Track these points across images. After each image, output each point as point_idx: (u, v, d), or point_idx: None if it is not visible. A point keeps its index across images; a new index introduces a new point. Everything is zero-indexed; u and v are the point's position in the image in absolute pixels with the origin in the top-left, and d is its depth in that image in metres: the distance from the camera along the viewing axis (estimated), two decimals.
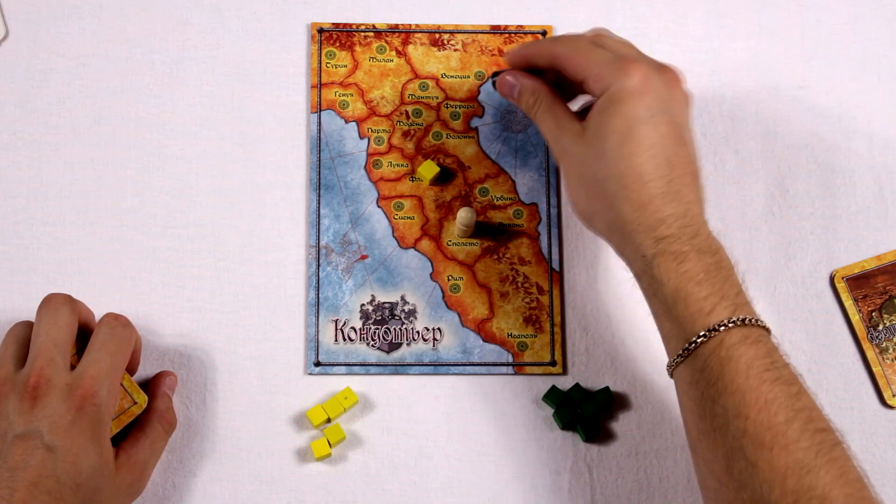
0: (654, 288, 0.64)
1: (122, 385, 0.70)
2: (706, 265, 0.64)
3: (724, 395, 0.60)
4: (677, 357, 0.63)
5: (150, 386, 0.73)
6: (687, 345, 0.62)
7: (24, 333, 0.70)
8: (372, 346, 0.77)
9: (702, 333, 0.62)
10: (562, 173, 0.72)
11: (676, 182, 0.65)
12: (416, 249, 0.79)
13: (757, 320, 0.63)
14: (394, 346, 0.77)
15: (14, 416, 0.65)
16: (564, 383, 0.77)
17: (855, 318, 0.78)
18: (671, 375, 0.65)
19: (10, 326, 0.71)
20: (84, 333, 0.71)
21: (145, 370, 0.75)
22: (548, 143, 0.72)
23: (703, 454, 0.63)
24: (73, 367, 0.68)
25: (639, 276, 0.66)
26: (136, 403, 0.71)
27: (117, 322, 0.70)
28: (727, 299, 0.63)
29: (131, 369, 0.73)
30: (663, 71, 0.68)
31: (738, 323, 0.62)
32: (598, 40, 0.70)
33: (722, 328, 0.62)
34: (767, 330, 0.64)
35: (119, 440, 0.70)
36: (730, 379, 0.60)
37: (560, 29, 0.83)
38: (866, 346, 0.78)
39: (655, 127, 0.65)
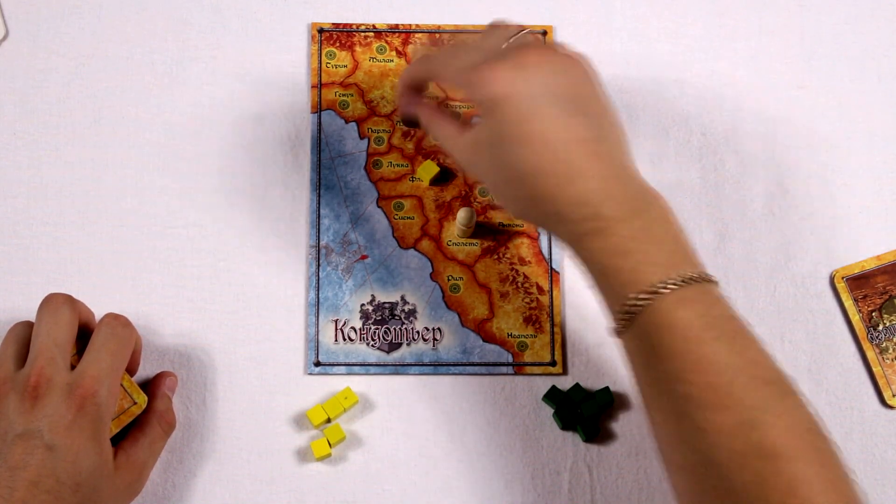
0: (583, 265, 0.63)
1: (122, 385, 0.70)
2: (633, 231, 0.61)
3: (665, 361, 0.58)
4: (619, 323, 0.61)
5: (150, 386, 0.73)
6: (622, 315, 0.60)
7: (25, 333, 0.70)
8: (372, 346, 0.77)
9: (634, 303, 0.59)
10: (470, 173, 0.70)
11: (582, 157, 0.62)
12: (416, 249, 0.79)
13: (696, 275, 0.60)
14: (394, 346, 0.77)
15: (14, 415, 0.65)
16: (564, 383, 0.77)
17: (855, 318, 0.78)
18: (621, 345, 0.63)
19: (10, 326, 0.72)
20: (84, 333, 0.71)
21: (145, 370, 0.75)
22: (447, 152, 0.69)
23: (654, 422, 0.61)
24: (73, 367, 0.68)
25: (572, 256, 0.64)
26: (135, 404, 0.71)
27: (117, 322, 0.70)
28: (658, 263, 0.60)
29: (131, 369, 0.73)
30: (521, 58, 0.63)
31: (674, 284, 0.59)
32: (460, 44, 0.69)
33: (654, 295, 0.59)
34: (711, 281, 0.61)
35: (118, 440, 0.70)
36: (668, 345, 0.58)
37: (560, 29, 0.83)
38: (866, 346, 0.78)
39: (535, 121, 0.62)
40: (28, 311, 0.74)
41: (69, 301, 0.70)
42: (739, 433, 0.56)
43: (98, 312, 0.74)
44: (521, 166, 0.62)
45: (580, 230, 0.62)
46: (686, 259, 0.61)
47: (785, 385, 0.59)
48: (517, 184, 0.63)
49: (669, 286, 0.59)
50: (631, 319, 0.60)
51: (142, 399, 0.71)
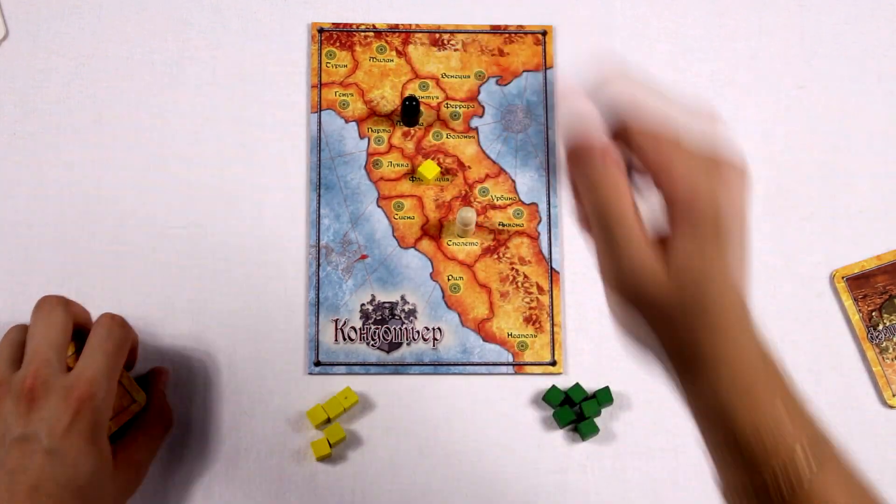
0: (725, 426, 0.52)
1: (120, 383, 0.70)
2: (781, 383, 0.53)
3: None
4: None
5: (147, 383, 0.73)
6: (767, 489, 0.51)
7: (20, 336, 0.70)
8: (372, 345, 0.77)
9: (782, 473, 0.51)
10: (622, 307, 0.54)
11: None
12: (416, 249, 0.79)
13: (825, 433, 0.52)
14: (394, 346, 0.77)
15: (10, 418, 0.65)
16: (564, 383, 0.77)
17: (855, 318, 0.78)
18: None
19: (10, 325, 0.71)
20: (82, 334, 0.71)
21: (143, 369, 0.75)
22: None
23: None
24: (70, 369, 0.68)
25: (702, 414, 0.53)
26: (135, 402, 0.71)
27: (114, 322, 0.70)
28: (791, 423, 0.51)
29: (128, 368, 0.73)
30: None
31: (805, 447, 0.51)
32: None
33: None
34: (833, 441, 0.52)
35: (117, 437, 0.70)
36: None
37: (560, 29, 0.83)
38: (866, 346, 0.78)
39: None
40: (28, 311, 0.74)
41: (63, 302, 0.70)
42: None
43: (98, 312, 0.74)
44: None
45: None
46: (817, 421, 0.51)
47: None
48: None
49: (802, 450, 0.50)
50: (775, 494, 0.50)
51: (141, 397, 0.71)
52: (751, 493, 0.51)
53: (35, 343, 0.68)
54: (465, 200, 0.80)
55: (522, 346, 0.77)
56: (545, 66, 0.83)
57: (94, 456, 0.65)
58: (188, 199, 0.79)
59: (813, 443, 0.51)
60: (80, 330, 0.71)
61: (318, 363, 0.77)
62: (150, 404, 0.72)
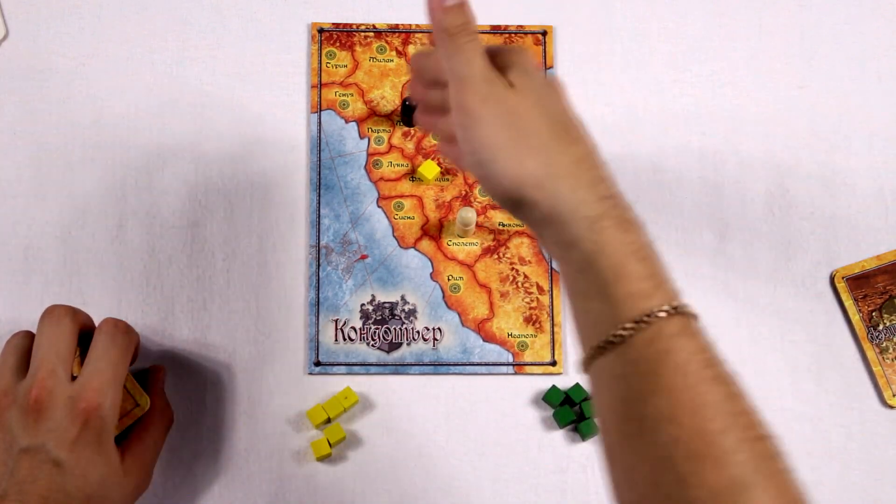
0: (589, 258, 0.55)
1: (124, 387, 0.70)
2: (647, 240, 0.56)
3: (657, 395, 0.52)
4: (604, 344, 0.54)
5: (145, 382, 0.73)
6: (619, 331, 0.53)
7: (24, 344, 0.70)
8: (372, 345, 0.77)
9: (639, 319, 0.53)
10: (475, 120, 0.57)
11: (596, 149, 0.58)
12: (416, 249, 0.79)
13: (687, 306, 0.55)
14: (394, 346, 0.77)
15: (17, 429, 0.65)
16: (564, 383, 0.77)
17: (855, 318, 0.78)
18: (587, 367, 0.57)
19: (8, 325, 0.71)
20: (86, 338, 0.70)
21: (143, 368, 0.75)
22: (466, 83, 0.58)
23: (623, 461, 0.54)
24: (74, 376, 0.68)
25: (571, 244, 0.56)
26: (138, 406, 0.71)
27: (117, 330, 0.70)
28: (665, 282, 0.55)
29: (152, 388, 0.73)
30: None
31: (676, 310, 0.54)
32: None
33: (662, 314, 0.53)
34: (697, 315, 0.56)
35: (121, 439, 0.70)
36: (665, 375, 0.52)
37: (560, 29, 0.83)
38: (866, 346, 0.78)
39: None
40: (27, 310, 0.75)
41: (70, 312, 0.69)
42: (726, 494, 0.50)
43: (98, 312, 0.74)
44: (563, 116, 0.58)
45: (605, 210, 0.55)
46: (678, 292, 0.56)
47: (773, 444, 0.53)
48: (550, 130, 0.57)
49: (676, 310, 0.54)
50: (627, 338, 0.54)
51: (144, 401, 0.71)
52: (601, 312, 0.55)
53: (41, 353, 0.67)
54: (465, 200, 0.80)
55: (522, 346, 0.77)
56: (545, 66, 0.82)
57: (103, 464, 0.65)
58: (188, 198, 0.79)
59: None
60: (84, 333, 0.70)
61: (318, 363, 0.77)
62: (152, 404, 0.72)
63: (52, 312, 0.69)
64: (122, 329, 0.70)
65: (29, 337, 0.70)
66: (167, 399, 0.74)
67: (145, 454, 0.70)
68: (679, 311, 0.54)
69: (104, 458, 0.66)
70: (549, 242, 0.57)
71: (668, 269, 0.56)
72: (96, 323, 0.71)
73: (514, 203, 0.57)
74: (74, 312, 0.70)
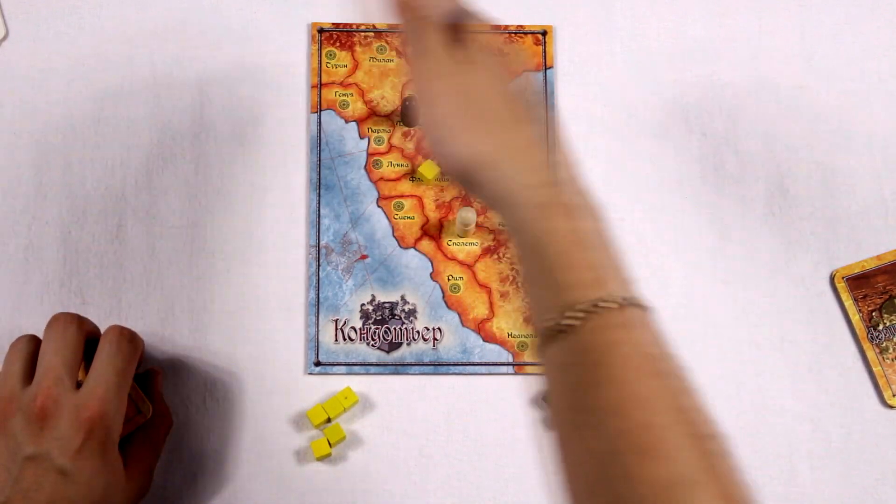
0: (535, 244, 0.54)
1: (128, 394, 0.70)
2: (597, 227, 0.55)
3: (603, 386, 0.51)
4: (549, 331, 0.53)
5: (143, 385, 0.73)
6: (564, 318, 0.52)
7: (29, 348, 0.69)
8: (372, 345, 0.77)
9: (585, 307, 0.52)
10: (431, 97, 0.58)
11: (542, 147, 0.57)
12: (416, 249, 0.79)
13: (639, 298, 0.53)
14: (394, 346, 0.77)
15: (22, 436, 0.65)
16: None
17: (855, 318, 0.78)
18: (540, 355, 0.54)
19: (8, 325, 0.71)
20: (92, 345, 0.70)
21: (142, 368, 0.75)
22: (421, 58, 0.58)
23: (572, 453, 0.52)
24: (80, 381, 0.68)
25: (517, 228, 0.55)
26: (140, 413, 0.70)
27: (122, 337, 0.69)
28: (616, 271, 0.54)
29: (150, 391, 0.73)
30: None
31: (626, 301, 0.52)
32: None
33: (610, 304, 0.52)
34: (650, 308, 0.54)
35: (121, 444, 0.70)
36: (611, 366, 0.51)
37: (560, 29, 0.83)
38: (866, 346, 0.78)
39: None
40: (27, 311, 0.75)
41: (76, 321, 0.69)
42: (670, 491, 0.49)
43: (98, 312, 0.74)
44: (511, 95, 0.58)
45: (551, 197, 0.55)
46: (632, 281, 0.54)
47: (722, 443, 0.51)
48: (502, 107, 0.57)
49: (625, 301, 0.52)
50: (565, 331, 0.52)
51: (147, 408, 0.71)
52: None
53: (47, 360, 0.67)
54: (465, 200, 0.80)
55: (522, 346, 0.77)
56: (545, 66, 0.83)
57: (107, 472, 0.66)
58: (188, 199, 0.79)
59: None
60: (91, 340, 0.70)
61: (318, 363, 0.77)
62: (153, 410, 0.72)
63: (58, 320, 0.69)
64: (126, 337, 0.70)
65: (34, 341, 0.69)
66: (166, 403, 0.73)
67: (147, 460, 0.70)
68: (629, 303, 0.52)
69: (108, 466, 0.66)
70: (502, 223, 0.57)
71: (624, 258, 0.55)
72: (102, 330, 0.71)
73: (465, 182, 0.57)
74: (81, 320, 0.69)
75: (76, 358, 0.68)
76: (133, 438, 0.70)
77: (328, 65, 0.82)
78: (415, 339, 0.77)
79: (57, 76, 0.81)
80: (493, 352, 0.77)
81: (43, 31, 0.82)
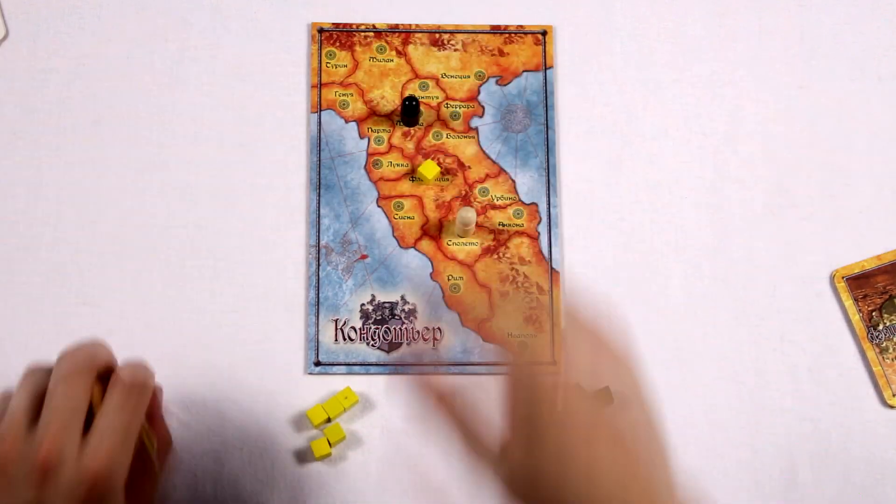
0: None
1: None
2: None
3: None
4: None
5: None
6: None
7: (41, 383, 0.65)
8: (372, 345, 0.77)
9: None
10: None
11: None
12: (416, 249, 0.79)
13: None
14: (394, 346, 0.77)
15: (22, 484, 0.62)
16: None
17: (855, 318, 0.78)
18: None
19: (8, 325, 0.71)
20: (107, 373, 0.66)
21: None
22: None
23: None
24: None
25: None
26: (144, 448, 0.68)
27: (133, 385, 0.65)
28: None
29: (149, 414, 0.68)
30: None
31: None
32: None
33: None
34: None
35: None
36: None
37: (560, 29, 0.83)
38: (866, 346, 0.78)
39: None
40: (27, 311, 0.74)
41: (90, 358, 0.65)
42: None
43: (98, 312, 0.74)
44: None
45: None
46: None
47: None
48: None
49: None
50: None
51: (151, 444, 0.67)
52: None
53: (56, 402, 0.63)
54: (465, 200, 0.80)
55: (522, 346, 0.77)
56: (545, 66, 0.83)
57: None
58: (188, 199, 0.79)
59: None
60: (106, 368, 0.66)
61: (318, 363, 0.77)
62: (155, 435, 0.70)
63: (72, 356, 0.65)
64: (138, 384, 0.65)
65: (46, 376, 0.65)
66: (165, 425, 0.71)
67: (148, 491, 0.68)
68: None
69: None
70: None
71: None
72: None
73: None
74: (94, 356, 0.65)
75: (86, 401, 0.64)
76: (133, 469, 0.68)
77: (328, 65, 0.82)
78: (415, 339, 0.77)
79: (57, 76, 0.81)
80: (494, 352, 0.77)
81: (43, 31, 0.82)
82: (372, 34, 0.83)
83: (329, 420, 0.75)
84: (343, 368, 0.77)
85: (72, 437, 0.63)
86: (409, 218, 0.80)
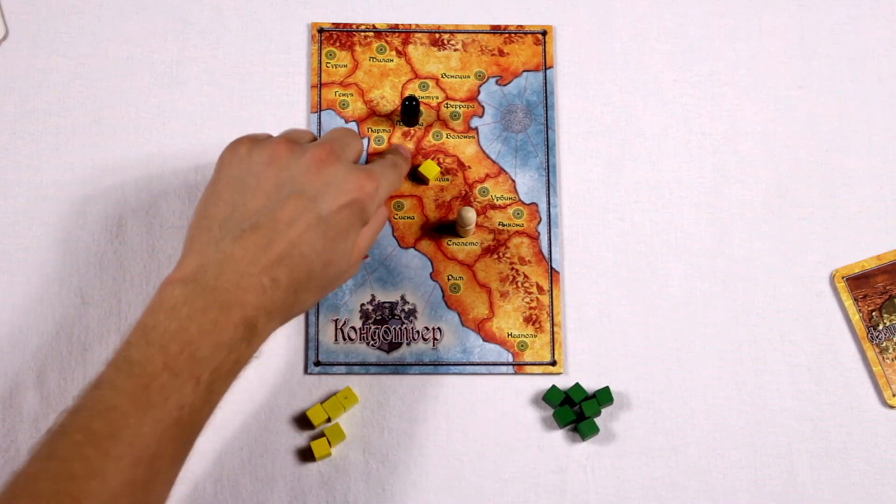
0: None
1: None
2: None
3: None
4: None
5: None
6: None
7: (314, 134, 0.73)
8: (372, 345, 0.77)
9: None
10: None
11: None
12: (416, 249, 0.79)
13: None
14: (394, 346, 0.77)
15: (298, 170, 0.66)
16: (564, 383, 0.77)
17: (855, 317, 0.78)
18: None
19: (8, 325, 0.71)
20: None
21: None
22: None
23: None
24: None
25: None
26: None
27: (406, 157, 0.76)
28: None
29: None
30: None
31: None
32: None
33: None
34: None
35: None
36: None
37: (560, 29, 0.83)
38: (866, 346, 0.78)
39: None
40: (27, 311, 0.74)
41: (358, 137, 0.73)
42: None
43: (98, 312, 0.74)
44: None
45: None
46: None
47: None
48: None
49: None
50: None
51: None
52: None
53: (334, 134, 0.71)
54: (465, 200, 0.80)
55: (522, 346, 0.78)
56: (545, 66, 0.83)
57: (350, 241, 0.67)
58: (188, 198, 0.79)
59: None
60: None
61: (318, 363, 0.77)
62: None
63: (343, 128, 0.73)
64: (404, 157, 0.76)
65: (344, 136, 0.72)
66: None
67: (367, 243, 0.71)
68: None
69: (352, 237, 0.67)
70: None
71: None
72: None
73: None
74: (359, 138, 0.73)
75: (358, 154, 0.71)
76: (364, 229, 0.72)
77: (328, 65, 0.82)
78: (415, 339, 0.77)
79: (57, 76, 0.81)
80: (493, 352, 0.77)
81: (43, 31, 0.82)
82: (372, 34, 0.83)
83: (329, 420, 0.75)
84: (343, 368, 0.77)
85: (348, 153, 0.70)
86: (409, 218, 0.80)
